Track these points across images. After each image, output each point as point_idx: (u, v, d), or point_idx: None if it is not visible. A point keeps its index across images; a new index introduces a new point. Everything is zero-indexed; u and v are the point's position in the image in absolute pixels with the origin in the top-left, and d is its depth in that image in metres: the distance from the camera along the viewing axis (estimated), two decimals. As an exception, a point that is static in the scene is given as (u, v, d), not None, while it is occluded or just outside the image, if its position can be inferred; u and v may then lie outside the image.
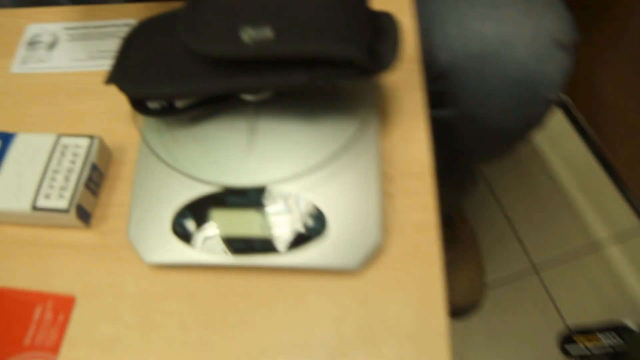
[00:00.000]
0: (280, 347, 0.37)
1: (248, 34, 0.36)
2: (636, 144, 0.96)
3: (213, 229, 0.39)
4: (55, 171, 0.43)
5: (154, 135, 0.43)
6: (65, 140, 0.45)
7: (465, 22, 0.52)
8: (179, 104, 0.41)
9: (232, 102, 0.42)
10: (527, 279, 1.05)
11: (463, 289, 1.02)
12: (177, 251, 0.39)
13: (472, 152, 0.73)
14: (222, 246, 0.38)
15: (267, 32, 0.36)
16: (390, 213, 0.41)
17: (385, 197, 0.42)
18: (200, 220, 0.39)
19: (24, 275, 0.42)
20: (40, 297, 0.41)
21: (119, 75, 0.41)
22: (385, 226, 0.41)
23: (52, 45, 0.57)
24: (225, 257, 0.38)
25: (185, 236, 0.39)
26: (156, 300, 0.40)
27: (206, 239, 0.39)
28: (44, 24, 0.58)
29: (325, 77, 0.36)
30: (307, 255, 0.38)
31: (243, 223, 0.39)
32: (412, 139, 0.45)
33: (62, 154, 0.44)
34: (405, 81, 0.48)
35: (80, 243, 0.43)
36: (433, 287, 0.38)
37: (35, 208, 0.42)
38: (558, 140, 1.18)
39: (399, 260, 0.39)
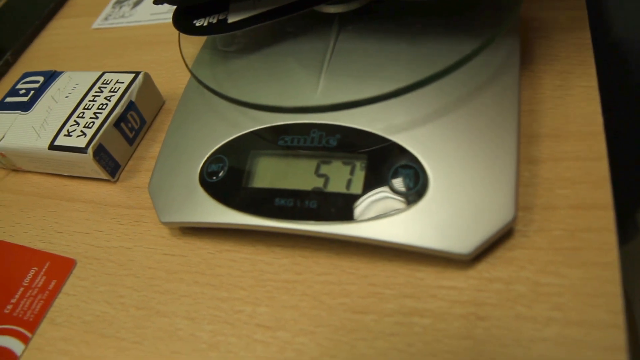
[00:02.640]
0: (327, 369, 0.22)
1: None
2: None
3: (255, 180, 0.27)
4: (87, 108, 0.35)
5: (203, 67, 0.33)
6: (108, 76, 0.37)
7: None
8: (232, 18, 0.30)
9: (306, 19, 0.30)
10: None
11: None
12: (202, 209, 0.27)
13: None
14: (264, 204, 0.26)
15: None
16: (533, 185, 0.25)
17: (525, 162, 0.26)
18: (240, 168, 0.27)
19: (33, 230, 0.33)
20: (39, 257, 0.32)
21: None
22: (523, 203, 0.25)
23: (138, 2, 0.51)
24: (266, 221, 0.25)
25: (216, 189, 0.27)
26: (167, 277, 0.28)
27: (244, 193, 0.26)
28: (135, -16, 0.54)
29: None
30: (392, 227, 0.23)
31: (299, 174, 0.26)
32: (570, 88, 0.29)
33: (101, 90, 0.36)
34: (563, 18, 0.33)
35: (101, 199, 0.33)
36: (602, 306, 0.21)
37: (52, 147, 0.33)
38: None
39: (543, 255, 0.23)
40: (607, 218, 0.23)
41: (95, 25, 0.50)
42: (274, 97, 0.28)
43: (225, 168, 0.27)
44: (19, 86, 0.39)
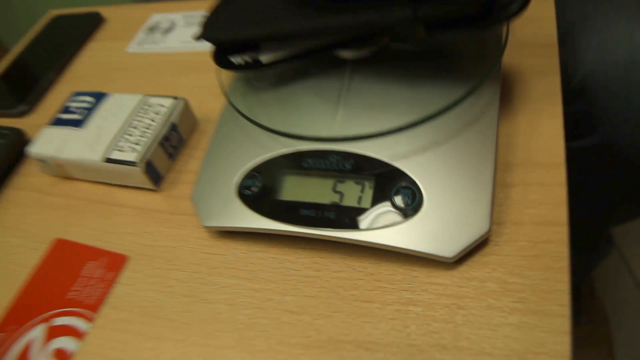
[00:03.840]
0: (341, 345, 0.29)
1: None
2: None
3: (283, 194, 0.33)
4: (134, 127, 0.41)
5: (238, 96, 0.39)
6: (150, 100, 0.43)
7: (609, 29, 0.42)
8: (265, 58, 0.37)
9: (325, 61, 0.37)
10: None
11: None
12: (239, 216, 0.33)
13: (616, 199, 0.60)
14: (291, 214, 0.32)
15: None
16: (505, 205, 0.32)
17: (500, 186, 0.33)
18: (270, 184, 0.34)
19: (87, 230, 0.39)
20: (95, 253, 0.38)
21: (208, 27, 0.38)
22: (496, 219, 0.31)
23: (168, 30, 0.57)
24: (293, 227, 0.32)
25: (250, 200, 0.33)
26: (209, 271, 0.34)
27: (274, 204, 0.33)
28: (166, 13, 0.60)
29: (433, 13, 0.29)
30: (393, 234, 0.30)
31: (319, 190, 0.32)
32: (540, 126, 0.36)
33: (145, 111, 0.42)
34: (539, 65, 0.39)
35: (147, 205, 0.40)
36: (554, 300, 0.28)
37: (106, 159, 0.39)
38: None
39: (510, 260, 0.30)
40: (562, 232, 0.30)
41: (131, 50, 0.57)
42: (300, 126, 0.34)
43: (259, 183, 0.34)
44: (71, 104, 0.45)
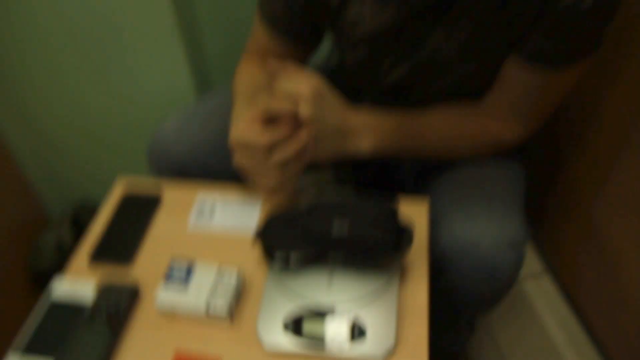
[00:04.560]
0: (335, 397, 0.68)
1: (336, 225, 0.73)
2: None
3: (305, 330, 0.73)
4: (218, 285, 0.79)
5: (277, 273, 0.79)
6: (223, 269, 0.81)
7: (450, 227, 0.86)
8: (292, 260, 0.77)
9: (322, 261, 0.78)
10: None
11: None
12: (285, 342, 0.72)
13: (465, 309, 1.03)
14: (309, 340, 0.72)
15: (345, 225, 0.73)
16: (402, 330, 0.74)
17: (400, 319, 0.75)
18: (298, 324, 0.73)
19: (194, 344, 0.76)
20: (202, 357, 0.74)
21: (262, 235, 0.79)
22: (398, 338, 0.73)
23: (212, 212, 0.96)
24: (309, 349, 0.71)
25: (289, 330, 0.73)
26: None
27: (300, 335, 0.72)
28: (208, 196, 0.99)
29: (371, 253, 0.72)
30: (354, 349, 0.70)
31: (322, 328, 0.72)
32: (417, 291, 0.79)
33: (222, 276, 0.80)
34: (416, 261, 0.83)
35: (225, 330, 0.77)
36: (422, 373, 0.69)
37: (206, 306, 0.77)
38: (554, 307, 1.44)
39: (405, 352, 0.71)
40: (424, 340, 0.72)
41: (190, 227, 0.94)
42: (312, 292, 0.74)
43: (293, 322, 0.73)
44: (174, 267, 0.82)
